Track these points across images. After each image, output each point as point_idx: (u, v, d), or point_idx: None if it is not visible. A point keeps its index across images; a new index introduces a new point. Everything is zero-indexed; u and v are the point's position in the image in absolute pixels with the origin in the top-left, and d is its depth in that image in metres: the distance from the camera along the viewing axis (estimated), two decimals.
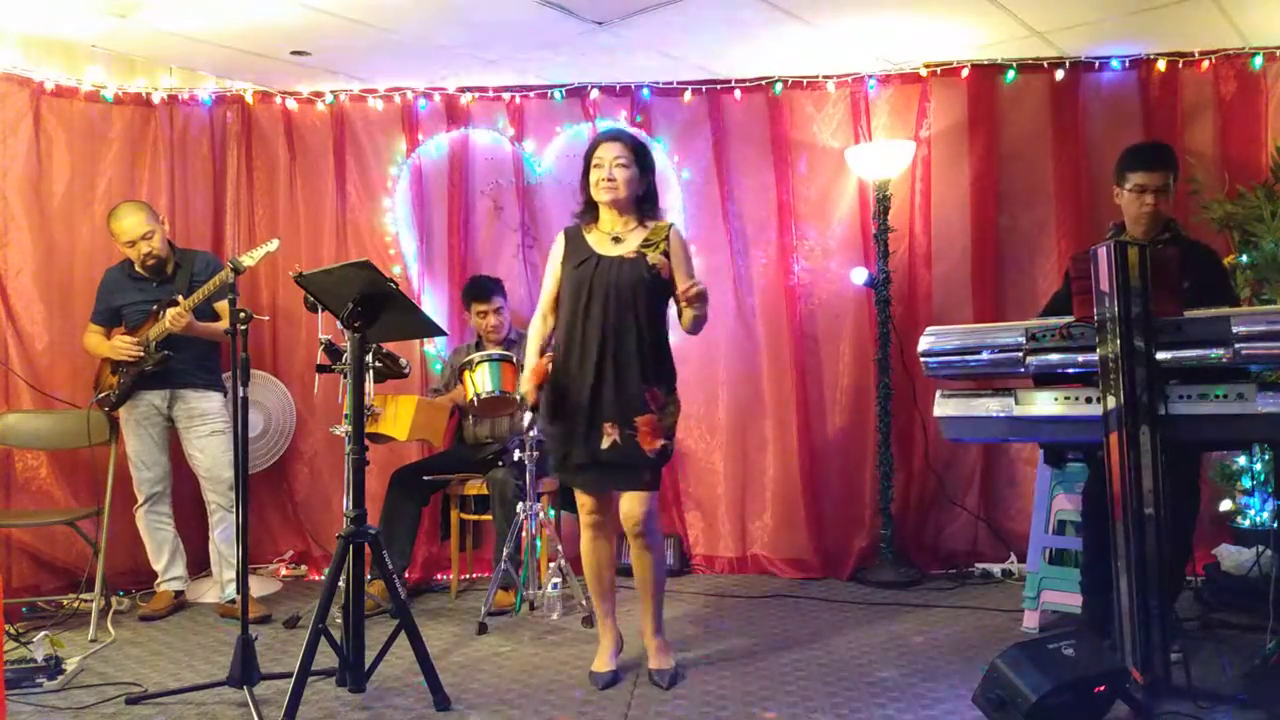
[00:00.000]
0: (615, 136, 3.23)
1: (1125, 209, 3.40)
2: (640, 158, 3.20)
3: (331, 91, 4.87)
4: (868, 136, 4.69)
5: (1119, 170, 3.41)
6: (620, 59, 4.51)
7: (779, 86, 4.76)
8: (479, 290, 4.49)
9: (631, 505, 3.18)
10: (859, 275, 4.57)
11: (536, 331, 3.31)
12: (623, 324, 3.11)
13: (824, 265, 4.80)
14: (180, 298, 3.99)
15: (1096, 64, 4.55)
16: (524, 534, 4.03)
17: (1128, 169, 3.37)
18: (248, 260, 3.85)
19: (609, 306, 3.11)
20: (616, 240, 3.20)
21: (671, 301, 3.24)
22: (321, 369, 3.87)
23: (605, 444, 3.11)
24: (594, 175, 3.18)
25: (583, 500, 3.26)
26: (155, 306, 4.07)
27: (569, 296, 3.20)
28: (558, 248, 3.30)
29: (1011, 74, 4.59)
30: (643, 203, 3.24)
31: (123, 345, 4.05)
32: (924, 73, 4.66)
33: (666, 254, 3.18)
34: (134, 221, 4.05)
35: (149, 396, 4.13)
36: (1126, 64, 4.54)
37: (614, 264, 3.15)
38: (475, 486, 4.38)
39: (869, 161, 4.52)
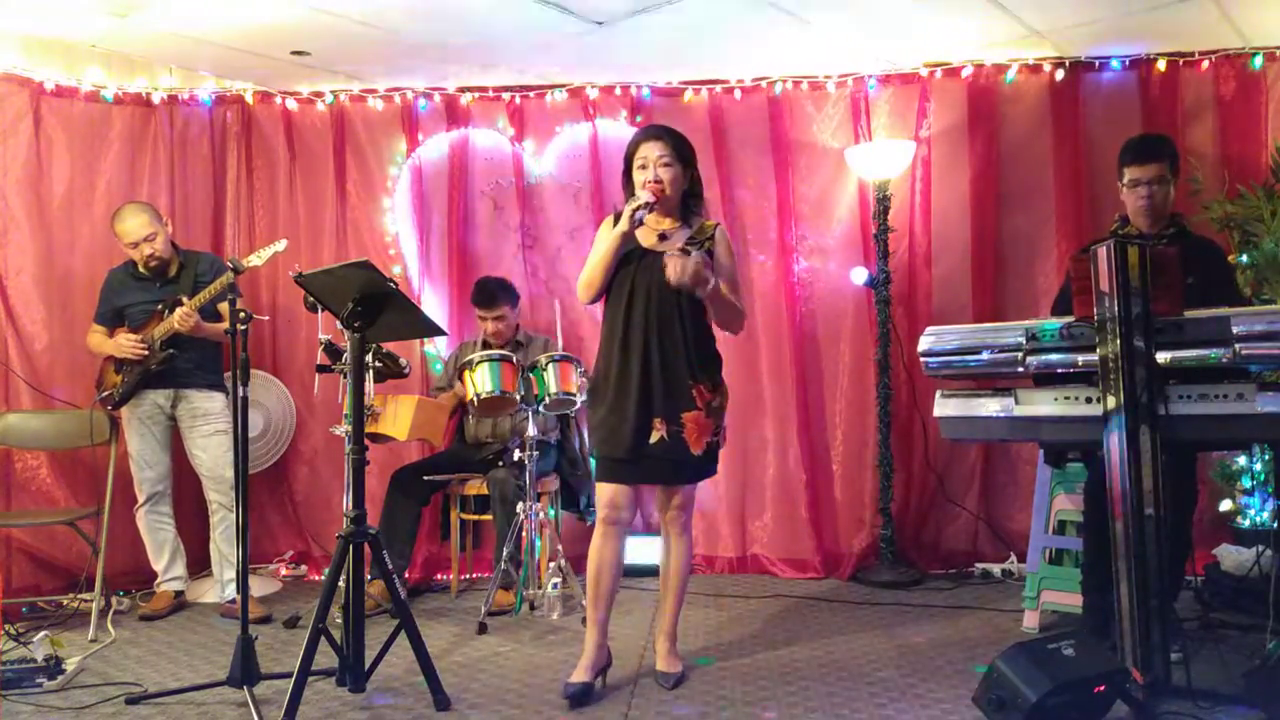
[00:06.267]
0: (657, 135, 3.13)
1: (1126, 203, 3.45)
2: (682, 154, 3.13)
3: (331, 91, 4.87)
4: (868, 136, 4.69)
5: (1118, 165, 3.45)
6: (620, 59, 4.52)
7: (779, 86, 4.76)
8: (482, 296, 4.45)
9: (674, 496, 3.22)
10: (859, 275, 4.57)
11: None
12: (667, 318, 3.08)
13: (824, 265, 4.80)
14: (184, 298, 3.99)
15: (1096, 64, 4.55)
16: (524, 534, 4.03)
17: (1123, 164, 3.42)
18: (255, 260, 3.86)
19: (652, 301, 3.08)
20: (663, 238, 3.15)
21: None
22: (321, 369, 3.88)
23: (654, 439, 3.08)
24: (639, 176, 3.10)
25: (605, 493, 3.16)
26: (160, 306, 4.06)
27: (613, 290, 3.16)
28: (606, 228, 3.20)
29: (1011, 74, 4.59)
30: (688, 198, 3.19)
31: (127, 343, 4.04)
32: (924, 73, 4.66)
33: (711, 253, 3.13)
34: (137, 223, 4.04)
35: (153, 395, 4.13)
36: (1126, 64, 4.54)
37: (659, 259, 3.07)
38: (475, 486, 4.38)
39: (869, 161, 4.52)
